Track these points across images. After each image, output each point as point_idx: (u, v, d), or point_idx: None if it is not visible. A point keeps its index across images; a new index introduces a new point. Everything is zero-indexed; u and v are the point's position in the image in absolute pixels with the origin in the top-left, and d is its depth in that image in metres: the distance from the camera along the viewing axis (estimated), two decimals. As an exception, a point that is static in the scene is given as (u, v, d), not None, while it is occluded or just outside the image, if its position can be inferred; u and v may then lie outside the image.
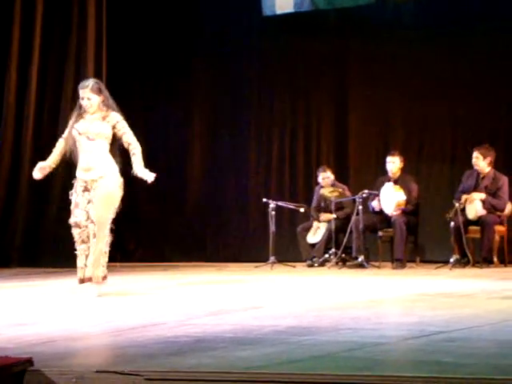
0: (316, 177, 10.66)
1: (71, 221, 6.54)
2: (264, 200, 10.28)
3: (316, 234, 10.29)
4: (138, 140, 6.70)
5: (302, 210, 10.30)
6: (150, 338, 4.35)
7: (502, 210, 9.49)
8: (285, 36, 11.08)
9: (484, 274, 8.40)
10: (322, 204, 10.44)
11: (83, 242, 6.48)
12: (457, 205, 9.25)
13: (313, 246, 10.25)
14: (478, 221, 9.39)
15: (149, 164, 6.76)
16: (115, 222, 6.61)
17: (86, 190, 6.53)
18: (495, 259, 9.34)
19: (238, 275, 8.83)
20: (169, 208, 11.46)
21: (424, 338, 4.05)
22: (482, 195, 9.41)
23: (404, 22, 10.60)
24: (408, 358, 3.66)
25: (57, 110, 10.69)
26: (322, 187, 10.40)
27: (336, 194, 10.15)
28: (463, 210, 9.37)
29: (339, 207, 10.22)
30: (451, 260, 9.17)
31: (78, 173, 6.64)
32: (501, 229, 9.48)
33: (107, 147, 6.62)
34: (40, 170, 6.74)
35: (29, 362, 3.45)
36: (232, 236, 11.22)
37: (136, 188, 8.04)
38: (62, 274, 9.17)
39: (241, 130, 11.36)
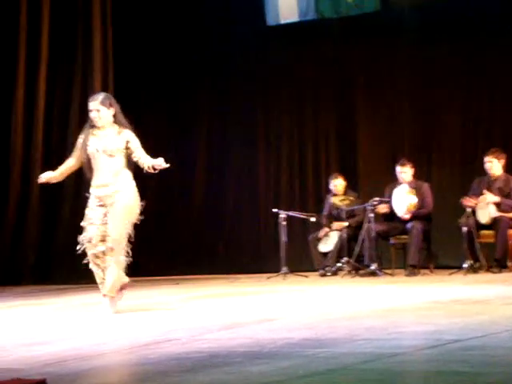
0: (326, 185, 10.62)
1: (84, 237, 6.52)
2: (274, 210, 10.25)
3: (327, 242, 10.23)
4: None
5: (312, 219, 10.25)
6: (163, 355, 4.31)
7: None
8: (289, 46, 11.06)
9: (498, 279, 8.33)
10: (333, 212, 10.39)
11: (97, 257, 6.47)
12: (468, 210, 9.19)
13: (325, 255, 10.20)
14: (491, 225, 9.32)
15: (159, 174, 6.79)
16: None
17: (101, 206, 6.52)
18: (509, 263, 9.27)
19: (251, 287, 8.77)
20: (178, 220, 11.42)
21: (440, 347, 4.00)
22: (496, 198, 9.33)
23: (409, 28, 10.54)
24: (425, 369, 3.60)
25: (65, 126, 10.71)
26: (333, 195, 10.36)
27: (347, 202, 10.09)
28: (474, 213, 9.29)
29: (351, 215, 10.17)
30: (464, 265, 9.10)
31: (92, 190, 6.61)
32: (513, 233, 9.41)
33: (125, 162, 6.62)
34: (46, 176, 6.75)
35: (42, 383, 3.41)
36: (243, 247, 11.18)
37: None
38: (74, 290, 9.14)
39: (249, 141, 11.34)
